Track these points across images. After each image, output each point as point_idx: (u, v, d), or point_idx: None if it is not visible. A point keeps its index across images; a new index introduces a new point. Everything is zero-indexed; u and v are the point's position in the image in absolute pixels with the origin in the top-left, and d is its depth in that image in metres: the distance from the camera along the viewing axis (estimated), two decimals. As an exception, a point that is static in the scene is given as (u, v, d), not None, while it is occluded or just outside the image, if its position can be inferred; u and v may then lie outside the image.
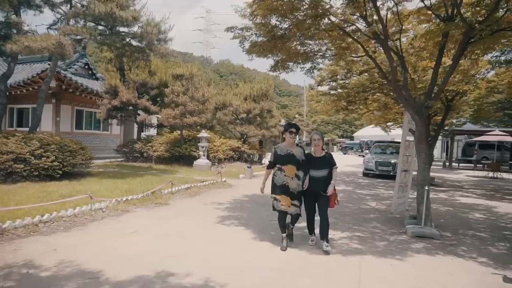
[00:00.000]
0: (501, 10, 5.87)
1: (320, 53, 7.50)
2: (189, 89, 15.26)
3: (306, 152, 5.15)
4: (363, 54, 8.12)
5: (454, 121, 24.08)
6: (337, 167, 5.07)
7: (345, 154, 45.62)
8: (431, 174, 9.58)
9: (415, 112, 6.30)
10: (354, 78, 12.69)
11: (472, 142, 27.31)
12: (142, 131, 19.16)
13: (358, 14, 6.10)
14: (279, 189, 4.91)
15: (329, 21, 6.13)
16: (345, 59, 8.36)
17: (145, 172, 13.43)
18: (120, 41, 11.74)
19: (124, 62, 15.85)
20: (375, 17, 6.29)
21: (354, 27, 6.80)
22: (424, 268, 4.51)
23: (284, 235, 5.05)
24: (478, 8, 5.52)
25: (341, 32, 6.58)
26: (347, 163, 25.32)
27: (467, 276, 4.28)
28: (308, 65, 8.24)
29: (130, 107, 16.91)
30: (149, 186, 9.32)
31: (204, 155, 15.33)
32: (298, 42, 5.99)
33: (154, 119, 19.95)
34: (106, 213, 6.77)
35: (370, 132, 48.81)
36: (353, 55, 7.75)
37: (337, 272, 4.27)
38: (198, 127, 16.74)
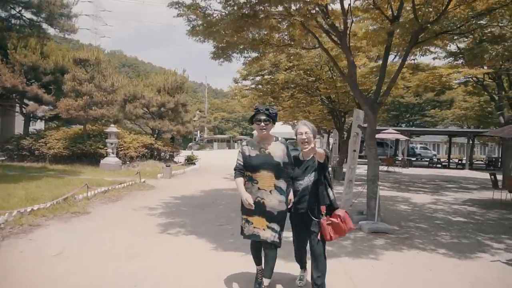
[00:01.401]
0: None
1: (268, 43, 7.01)
2: (95, 77, 13.19)
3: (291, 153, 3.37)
4: (308, 47, 7.95)
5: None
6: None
7: None
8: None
9: (368, 108, 6.29)
10: (280, 74, 12.64)
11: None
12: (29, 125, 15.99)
13: (318, 5, 5.76)
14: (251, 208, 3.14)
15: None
16: (287, 52, 8.07)
17: (41, 173, 11.10)
18: (6, 10, 9.36)
19: (7, 39, 12.79)
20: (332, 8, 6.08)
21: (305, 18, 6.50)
22: (403, 266, 4.42)
23: (259, 267, 3.39)
24: (430, 9, 5.71)
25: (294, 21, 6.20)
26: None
27: (445, 270, 4.30)
28: (253, 54, 7.73)
29: (15, 95, 13.87)
30: (56, 191, 7.60)
31: (113, 153, 13.47)
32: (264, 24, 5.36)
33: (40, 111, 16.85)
34: (8, 230, 5.11)
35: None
36: (306, 47, 7.47)
37: (328, 279, 3.83)
38: (104, 121, 14.71)
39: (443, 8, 5.71)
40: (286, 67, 12.49)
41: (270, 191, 3.16)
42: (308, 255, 3.41)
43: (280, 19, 5.43)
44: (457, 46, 12.62)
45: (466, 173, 21.68)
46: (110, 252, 4.46)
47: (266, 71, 12.80)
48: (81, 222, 5.94)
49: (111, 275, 3.71)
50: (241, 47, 7.00)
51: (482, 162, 27.62)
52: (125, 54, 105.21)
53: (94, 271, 3.79)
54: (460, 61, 13.51)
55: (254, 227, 3.20)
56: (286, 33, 6.99)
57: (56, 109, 13.93)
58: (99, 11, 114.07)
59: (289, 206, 3.26)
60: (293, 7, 5.01)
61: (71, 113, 12.57)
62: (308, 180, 3.22)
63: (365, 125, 7.06)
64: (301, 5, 4.70)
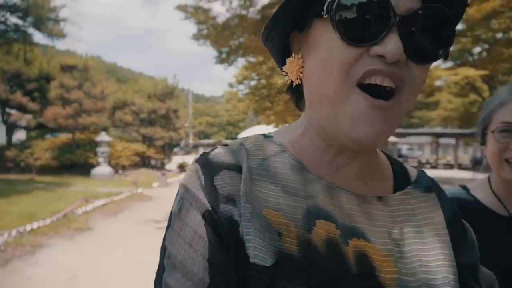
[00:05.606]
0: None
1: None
2: (84, 83, 12.66)
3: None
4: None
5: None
6: None
7: None
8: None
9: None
10: (278, 78, 12.45)
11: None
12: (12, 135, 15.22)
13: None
14: None
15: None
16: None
17: (29, 186, 10.49)
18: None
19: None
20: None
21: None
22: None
23: None
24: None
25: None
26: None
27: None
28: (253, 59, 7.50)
29: (-3, 104, 13.17)
30: (51, 206, 7.14)
31: (105, 162, 12.94)
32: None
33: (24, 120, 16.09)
34: (9, 252, 4.67)
35: (255, 133, 50.15)
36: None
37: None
38: (93, 129, 14.14)
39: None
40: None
41: None
42: None
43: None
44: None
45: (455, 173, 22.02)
46: (125, 274, 4.09)
47: (263, 75, 12.60)
48: (86, 240, 5.53)
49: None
50: (247, 51, 6.78)
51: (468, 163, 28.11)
52: (104, 60, 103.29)
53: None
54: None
55: None
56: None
57: (41, 118, 13.31)
58: (75, 15, 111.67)
59: None
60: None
61: (60, 122, 12.01)
62: None
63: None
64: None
